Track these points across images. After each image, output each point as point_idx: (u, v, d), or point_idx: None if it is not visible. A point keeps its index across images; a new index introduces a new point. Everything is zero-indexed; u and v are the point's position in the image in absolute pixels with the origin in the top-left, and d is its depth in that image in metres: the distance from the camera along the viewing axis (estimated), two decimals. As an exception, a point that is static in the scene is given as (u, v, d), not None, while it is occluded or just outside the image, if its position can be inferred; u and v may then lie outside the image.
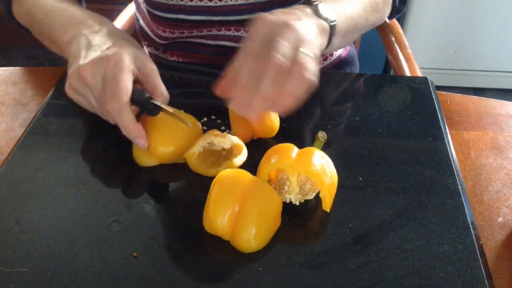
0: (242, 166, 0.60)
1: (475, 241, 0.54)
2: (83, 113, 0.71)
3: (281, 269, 0.51)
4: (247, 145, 0.64)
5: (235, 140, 0.63)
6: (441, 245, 0.54)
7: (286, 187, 0.57)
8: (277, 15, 0.58)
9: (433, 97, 0.76)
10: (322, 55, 0.94)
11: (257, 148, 0.64)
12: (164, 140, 0.61)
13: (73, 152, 0.65)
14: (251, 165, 0.61)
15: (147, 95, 0.60)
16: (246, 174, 0.55)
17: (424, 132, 0.69)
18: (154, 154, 0.61)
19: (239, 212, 0.52)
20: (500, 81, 2.32)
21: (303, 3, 0.66)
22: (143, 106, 0.60)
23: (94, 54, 0.60)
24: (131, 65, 0.60)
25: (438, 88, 0.77)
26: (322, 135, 0.59)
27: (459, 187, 0.61)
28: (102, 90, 0.59)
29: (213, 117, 0.70)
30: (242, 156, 0.62)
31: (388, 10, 0.84)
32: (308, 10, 0.64)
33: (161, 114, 0.61)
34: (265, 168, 0.57)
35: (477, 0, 2.08)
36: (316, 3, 0.65)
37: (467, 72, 2.30)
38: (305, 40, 0.56)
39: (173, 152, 0.61)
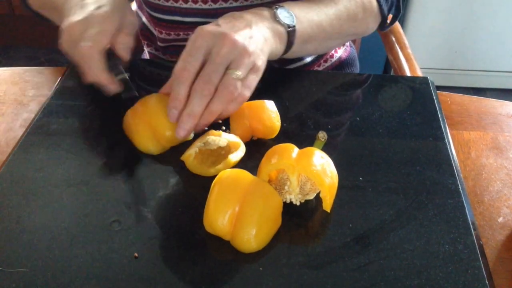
0: (242, 166, 0.60)
1: (475, 241, 0.54)
2: (83, 113, 0.71)
3: (281, 269, 0.51)
4: (246, 145, 0.64)
5: (232, 137, 0.63)
6: (442, 245, 0.54)
7: (286, 187, 0.57)
8: (222, 24, 0.62)
9: (434, 97, 0.76)
10: (323, 57, 0.94)
11: (257, 148, 0.64)
12: (170, 124, 0.62)
13: (73, 152, 0.65)
14: (251, 165, 0.61)
15: (117, 64, 0.69)
16: (246, 174, 0.55)
17: (424, 132, 0.69)
18: (162, 139, 0.63)
19: (240, 212, 0.52)
20: (500, 81, 2.32)
21: (265, 6, 0.68)
22: (110, 66, 0.68)
23: (83, 13, 0.68)
24: (113, 25, 0.67)
25: (438, 88, 0.77)
26: (322, 135, 0.59)
27: (460, 187, 0.61)
28: (80, 41, 0.66)
29: (213, 117, 0.70)
30: (239, 152, 0.62)
31: (372, 20, 0.83)
32: (266, 13, 0.66)
33: (163, 100, 0.64)
34: (265, 168, 0.57)
35: (477, 0, 2.08)
36: (276, 7, 0.66)
37: (467, 72, 2.30)
38: (242, 53, 0.59)
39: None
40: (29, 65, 2.41)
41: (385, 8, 0.83)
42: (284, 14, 0.67)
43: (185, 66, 0.59)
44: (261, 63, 0.63)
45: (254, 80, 0.62)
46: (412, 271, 0.51)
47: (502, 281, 0.55)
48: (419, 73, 0.98)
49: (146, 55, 1.03)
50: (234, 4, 0.81)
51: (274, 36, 0.66)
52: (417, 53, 1.05)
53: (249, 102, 0.66)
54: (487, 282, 0.50)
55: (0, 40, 2.55)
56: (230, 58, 0.59)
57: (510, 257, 0.58)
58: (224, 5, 0.81)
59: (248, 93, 0.61)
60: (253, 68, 0.61)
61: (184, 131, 0.60)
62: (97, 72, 0.66)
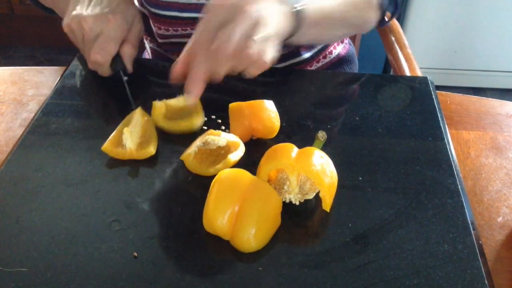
0: (242, 166, 0.60)
1: (475, 241, 0.54)
2: (83, 113, 0.71)
3: (281, 269, 0.51)
4: (246, 145, 0.64)
5: (231, 137, 0.63)
6: (441, 245, 0.54)
7: (286, 187, 0.57)
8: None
9: (433, 97, 0.76)
10: (318, 50, 0.94)
11: (257, 148, 0.64)
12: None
13: (72, 151, 0.65)
14: (251, 165, 0.61)
15: (120, 67, 0.74)
16: (246, 174, 0.55)
17: (424, 132, 0.69)
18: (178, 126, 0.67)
19: (239, 212, 0.52)
20: (500, 81, 2.32)
21: None
22: (114, 68, 0.74)
23: (98, 10, 0.71)
24: (123, 33, 0.72)
25: (438, 88, 0.77)
26: (322, 135, 0.59)
27: (459, 187, 0.61)
28: (92, 42, 0.70)
29: (213, 117, 0.70)
30: (238, 152, 0.62)
31: (372, 15, 0.83)
32: None
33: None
34: (265, 167, 0.57)
35: (477, 0, 2.08)
36: None
37: (467, 72, 2.30)
38: (258, 25, 0.58)
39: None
40: (29, 64, 2.41)
41: (385, 2, 0.83)
42: None
43: (199, 38, 0.60)
44: (274, 33, 0.61)
45: (270, 46, 0.60)
46: (412, 270, 0.51)
47: (502, 281, 0.55)
48: (419, 73, 0.98)
49: (147, 53, 1.03)
50: None
51: (283, 17, 0.65)
52: (416, 53, 1.05)
53: (248, 102, 0.66)
54: (486, 282, 0.50)
55: (0, 40, 2.54)
56: (247, 28, 0.58)
57: (509, 256, 0.58)
58: None
59: (268, 62, 0.60)
60: (269, 39, 0.60)
61: (193, 97, 0.60)
62: (101, 72, 0.74)
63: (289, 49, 0.91)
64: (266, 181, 0.56)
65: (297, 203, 0.58)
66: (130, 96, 0.73)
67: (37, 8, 0.93)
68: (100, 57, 0.70)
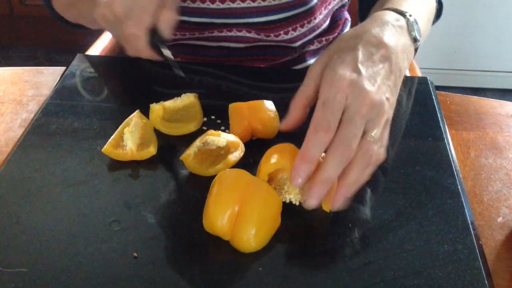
0: (242, 166, 0.60)
1: (475, 241, 0.54)
2: (82, 114, 0.71)
3: (281, 269, 0.51)
4: (246, 145, 0.64)
5: (231, 137, 0.63)
6: (441, 245, 0.54)
7: (286, 187, 0.57)
8: (362, 67, 0.54)
9: (433, 97, 0.76)
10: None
11: (257, 148, 0.64)
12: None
13: (73, 152, 0.65)
14: (251, 165, 0.61)
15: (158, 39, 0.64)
16: (246, 174, 0.55)
17: (424, 132, 0.69)
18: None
19: (239, 212, 0.52)
20: (500, 81, 2.32)
21: (391, 11, 0.62)
22: (152, 40, 0.64)
23: None
24: (156, 3, 0.62)
25: (438, 88, 0.77)
26: None
27: (459, 187, 0.61)
28: (124, 19, 0.61)
29: (212, 117, 0.70)
30: (238, 152, 0.62)
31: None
32: (403, 23, 0.60)
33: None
34: (265, 168, 0.57)
35: (476, 0, 2.08)
36: (408, 14, 0.61)
37: (467, 72, 2.30)
38: (380, 112, 0.53)
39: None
40: (28, 65, 2.41)
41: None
42: (416, 27, 0.61)
43: (324, 124, 0.51)
44: (392, 114, 0.57)
45: (387, 135, 0.56)
46: (412, 271, 0.51)
47: (502, 281, 0.55)
48: (419, 73, 0.98)
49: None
50: (242, 4, 0.81)
51: (409, 61, 0.61)
52: (417, 53, 1.05)
53: (248, 102, 0.66)
54: (486, 282, 0.50)
55: (0, 40, 2.55)
56: (368, 117, 0.52)
57: (509, 257, 0.58)
58: (232, 5, 0.81)
59: (384, 152, 0.55)
60: (386, 123, 0.55)
61: (316, 200, 0.52)
62: (140, 51, 0.64)
63: (292, 55, 0.91)
64: (266, 182, 0.56)
65: (297, 203, 0.58)
66: (178, 68, 0.66)
67: (66, 26, 0.90)
68: (135, 29, 0.61)
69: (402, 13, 0.61)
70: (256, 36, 0.86)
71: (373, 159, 0.53)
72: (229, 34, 0.86)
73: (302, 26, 0.86)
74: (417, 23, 0.62)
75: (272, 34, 0.85)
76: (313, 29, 0.89)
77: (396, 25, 0.60)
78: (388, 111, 0.55)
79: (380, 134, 0.53)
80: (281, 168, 0.57)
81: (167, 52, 0.65)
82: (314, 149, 0.51)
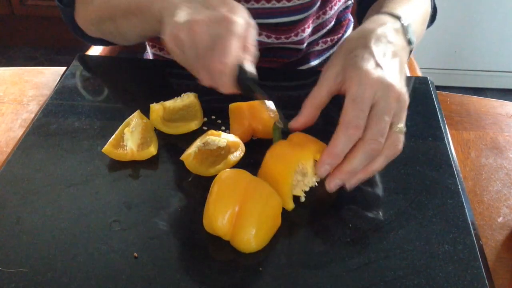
0: (242, 166, 0.60)
1: (475, 241, 0.54)
2: (83, 114, 0.71)
3: (281, 269, 0.51)
4: (246, 145, 0.64)
5: (231, 138, 0.63)
6: (441, 245, 0.54)
7: (301, 178, 0.57)
8: (380, 61, 0.56)
9: (433, 97, 0.76)
10: (326, 57, 0.94)
11: (257, 148, 0.64)
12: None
13: (73, 152, 0.65)
14: (251, 165, 0.61)
15: (251, 77, 0.57)
16: (246, 174, 0.55)
17: (424, 132, 0.69)
18: None
19: (239, 212, 0.52)
20: (500, 81, 2.32)
21: (387, 14, 0.63)
22: (239, 80, 0.57)
23: (208, 12, 0.56)
24: (243, 32, 0.56)
25: (438, 88, 0.77)
26: (279, 123, 0.61)
27: (459, 187, 0.61)
28: (208, 49, 0.55)
29: (213, 117, 0.70)
30: (238, 152, 0.62)
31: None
32: (398, 27, 0.62)
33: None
34: (288, 177, 0.56)
35: (477, 0, 2.08)
36: (403, 19, 0.62)
37: (467, 72, 2.30)
38: (404, 105, 0.55)
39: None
40: (29, 65, 2.41)
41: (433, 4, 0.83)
42: (411, 30, 0.63)
43: (355, 121, 0.53)
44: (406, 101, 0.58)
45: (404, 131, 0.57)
46: (412, 271, 0.51)
47: (502, 281, 0.55)
48: (419, 73, 0.98)
49: (149, 56, 1.03)
50: (267, 5, 0.80)
51: (407, 61, 0.63)
52: (416, 53, 1.05)
53: (248, 102, 0.66)
54: (486, 282, 0.50)
55: (0, 40, 2.55)
56: (395, 111, 0.55)
57: (509, 257, 0.58)
58: (256, 5, 0.80)
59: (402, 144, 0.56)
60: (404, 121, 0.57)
61: (337, 186, 0.55)
62: (223, 87, 0.57)
63: (297, 57, 0.91)
64: (289, 193, 0.56)
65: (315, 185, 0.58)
66: (281, 114, 0.62)
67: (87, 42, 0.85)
68: (223, 66, 0.54)
69: (397, 17, 0.63)
70: (265, 40, 0.85)
71: (399, 151, 0.55)
72: None
73: (309, 27, 0.87)
74: (411, 27, 0.63)
75: (283, 36, 0.85)
76: (321, 27, 0.90)
77: (393, 28, 0.61)
78: (405, 94, 0.56)
79: (404, 126, 0.55)
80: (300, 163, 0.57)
81: (259, 91, 0.58)
82: (343, 145, 0.53)
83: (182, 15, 0.56)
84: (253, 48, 0.58)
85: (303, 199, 0.58)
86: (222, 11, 0.56)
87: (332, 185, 0.55)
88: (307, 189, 0.58)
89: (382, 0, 0.73)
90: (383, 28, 0.60)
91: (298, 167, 0.57)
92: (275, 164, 0.57)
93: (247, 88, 0.57)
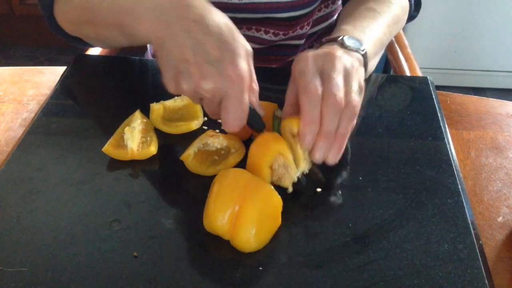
0: (242, 166, 0.60)
1: (475, 241, 0.54)
2: (83, 113, 0.71)
3: (281, 269, 0.51)
4: (246, 145, 0.64)
5: (231, 137, 0.63)
6: (441, 244, 0.54)
7: (288, 169, 0.57)
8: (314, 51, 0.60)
9: (433, 97, 0.76)
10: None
11: (257, 148, 0.64)
12: None
13: (73, 152, 0.65)
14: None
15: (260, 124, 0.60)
16: (245, 173, 0.55)
17: (424, 132, 0.69)
18: None
19: (239, 212, 0.52)
20: (500, 81, 2.32)
21: (327, 42, 0.66)
22: (253, 126, 0.60)
23: (211, 69, 0.53)
24: (249, 80, 0.56)
25: (438, 88, 0.77)
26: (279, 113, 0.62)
27: (459, 186, 0.61)
28: (217, 105, 0.56)
29: (213, 117, 0.71)
30: (238, 152, 0.62)
31: (406, 17, 0.84)
32: (336, 46, 0.64)
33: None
34: (265, 162, 0.56)
35: (477, 0, 2.08)
36: (340, 37, 0.65)
37: (467, 72, 2.30)
38: (351, 68, 0.59)
39: None
40: (29, 64, 2.41)
41: (413, 4, 0.85)
42: (351, 41, 0.65)
43: (309, 85, 0.56)
44: (363, 79, 0.62)
45: (361, 95, 0.60)
46: (412, 270, 0.51)
47: (502, 281, 0.55)
48: (419, 73, 0.98)
49: (149, 55, 1.03)
50: None
51: (359, 63, 0.64)
52: (416, 53, 1.05)
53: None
54: (486, 282, 0.50)
55: (0, 40, 2.55)
56: (344, 73, 0.58)
57: (509, 256, 0.58)
58: (256, 0, 0.81)
59: (360, 103, 0.59)
60: (360, 83, 0.60)
61: (321, 153, 0.56)
62: (234, 128, 0.56)
63: (296, 53, 0.91)
64: (267, 181, 0.56)
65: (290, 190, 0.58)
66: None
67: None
68: (238, 127, 0.56)
69: (357, 50, 0.65)
70: (272, 38, 0.85)
71: (358, 109, 0.58)
72: (247, 33, 0.85)
73: (310, 23, 0.87)
74: (352, 38, 0.66)
75: (290, 31, 0.86)
76: (321, 20, 0.91)
77: (329, 47, 0.63)
78: (360, 72, 0.61)
79: (357, 87, 0.59)
80: (278, 154, 0.57)
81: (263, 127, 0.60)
82: (311, 109, 0.56)
83: (182, 72, 0.54)
84: (257, 87, 0.60)
85: (290, 189, 0.58)
86: (224, 63, 0.53)
87: (317, 155, 0.56)
88: (295, 179, 0.58)
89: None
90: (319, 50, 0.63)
91: (280, 160, 0.57)
92: (255, 153, 0.58)
93: (259, 129, 0.60)
